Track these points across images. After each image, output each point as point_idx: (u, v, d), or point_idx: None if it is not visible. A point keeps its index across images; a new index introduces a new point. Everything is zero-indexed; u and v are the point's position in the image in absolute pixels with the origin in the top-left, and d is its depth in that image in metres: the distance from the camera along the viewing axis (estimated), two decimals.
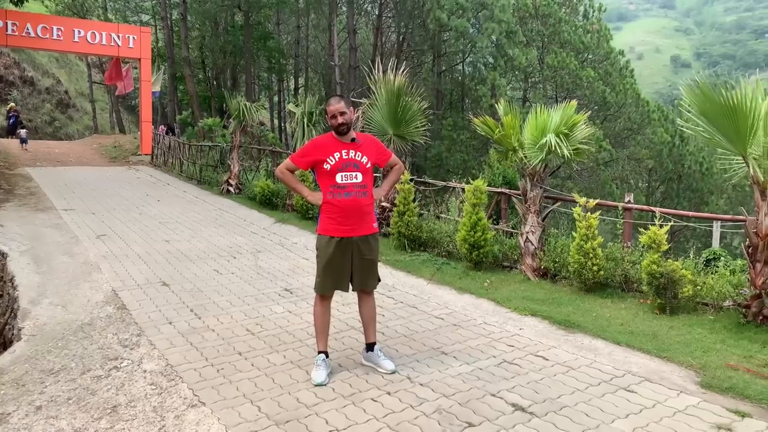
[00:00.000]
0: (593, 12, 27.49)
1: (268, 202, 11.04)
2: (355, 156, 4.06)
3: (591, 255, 5.86)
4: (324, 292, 4.16)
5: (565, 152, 6.08)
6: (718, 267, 6.18)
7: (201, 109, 23.40)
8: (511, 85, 26.41)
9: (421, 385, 3.97)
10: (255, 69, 25.81)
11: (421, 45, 24.86)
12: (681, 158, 28.14)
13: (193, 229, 9.09)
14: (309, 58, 28.80)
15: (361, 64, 23.18)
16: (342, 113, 4.02)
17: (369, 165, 4.11)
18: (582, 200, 6.03)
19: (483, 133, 6.68)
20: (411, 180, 7.67)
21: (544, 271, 6.51)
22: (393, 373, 4.12)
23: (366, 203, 4.10)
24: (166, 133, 21.24)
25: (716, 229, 6.34)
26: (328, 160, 4.00)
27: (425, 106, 7.82)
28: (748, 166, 4.88)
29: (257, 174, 13.28)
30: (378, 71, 7.86)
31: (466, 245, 6.67)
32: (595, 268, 5.86)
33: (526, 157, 6.43)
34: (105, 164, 20.19)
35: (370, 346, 4.29)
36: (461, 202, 7.53)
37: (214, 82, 28.18)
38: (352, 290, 4.26)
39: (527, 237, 6.54)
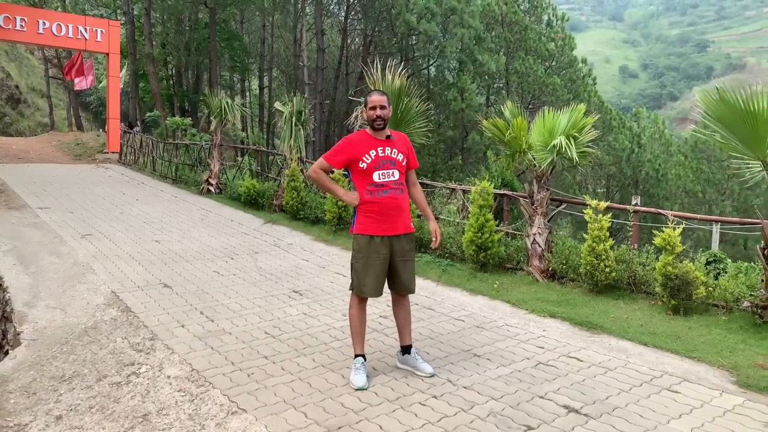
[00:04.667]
0: (556, 21, 28.15)
1: (253, 203, 10.73)
2: (391, 153, 3.94)
3: (603, 257, 5.89)
4: (367, 294, 3.97)
5: (575, 155, 6.12)
6: (719, 269, 6.32)
7: (164, 107, 22.68)
8: (477, 90, 26.75)
9: (465, 388, 3.87)
10: (218, 68, 25.22)
11: (389, 48, 24.87)
12: (639, 164, 29.11)
13: (181, 230, 8.75)
14: (274, 57, 28.38)
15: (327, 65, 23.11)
16: (383, 107, 3.91)
17: (404, 162, 4.00)
18: (593, 203, 6.07)
19: (491, 135, 6.65)
20: None
21: (551, 272, 6.52)
22: (432, 376, 4.00)
23: (404, 201, 3.99)
24: (128, 132, 20.53)
25: (715, 232, 6.51)
26: (364, 158, 3.88)
27: (427, 106, 7.74)
28: (767, 171, 4.99)
29: (238, 173, 12.92)
30: (376, 71, 7.73)
31: (473, 247, 6.62)
32: (607, 269, 5.89)
33: (534, 158, 6.43)
34: (70, 162, 19.38)
35: (406, 349, 4.15)
36: (462, 203, 7.50)
37: (175, 80, 27.40)
38: (392, 292, 4.11)
39: (534, 239, 6.54)
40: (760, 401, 3.76)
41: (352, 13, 26.32)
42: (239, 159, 14.13)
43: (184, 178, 13.89)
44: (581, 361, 4.40)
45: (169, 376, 4.01)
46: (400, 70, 7.89)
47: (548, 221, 6.62)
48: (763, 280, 5.26)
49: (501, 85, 27.32)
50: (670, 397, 3.80)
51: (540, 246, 6.51)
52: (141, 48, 23.07)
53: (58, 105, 37.61)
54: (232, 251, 7.56)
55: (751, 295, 5.32)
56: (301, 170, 9.84)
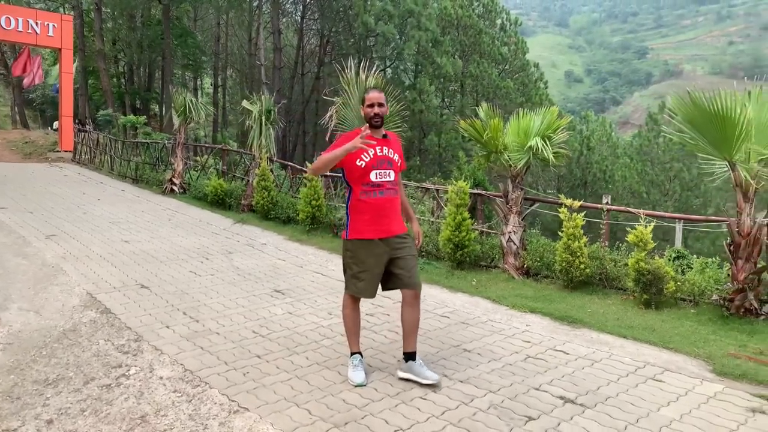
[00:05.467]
0: (510, 25, 28.80)
1: (220, 203, 10.55)
2: (388, 153, 3.88)
3: (578, 254, 6.09)
4: (361, 295, 3.91)
5: (550, 155, 6.30)
6: (683, 265, 6.64)
7: (115, 105, 21.96)
8: (433, 92, 27.11)
9: (461, 382, 3.94)
10: (171, 66, 24.60)
11: (347, 48, 24.88)
12: (588, 166, 30.12)
13: (149, 230, 8.53)
14: (229, 56, 27.92)
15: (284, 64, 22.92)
16: (380, 104, 3.85)
17: (399, 164, 3.95)
18: (568, 201, 6.26)
19: (468, 135, 6.77)
20: None
21: (526, 269, 6.69)
22: (438, 382, 3.83)
23: (398, 203, 3.95)
24: (82, 130, 19.78)
25: (679, 230, 6.82)
26: (362, 156, 3.78)
27: (401, 106, 7.81)
28: (733, 171, 5.28)
29: (203, 173, 12.66)
30: (350, 70, 7.75)
31: (451, 245, 6.73)
32: (582, 266, 6.10)
33: (510, 159, 6.59)
34: (20, 160, 18.55)
35: (411, 356, 3.95)
36: (436, 203, 7.60)
37: (126, 78, 26.58)
38: (402, 291, 3.98)
39: (509, 237, 6.69)
40: (739, 388, 3.97)
41: (309, 13, 26.22)
42: (201, 158, 13.85)
43: (146, 177, 13.52)
44: (567, 354, 4.53)
45: (161, 377, 3.92)
46: (374, 71, 7.93)
47: (522, 220, 6.79)
48: (729, 275, 5.55)
49: (456, 87, 27.77)
50: (656, 386, 3.97)
51: (515, 244, 6.67)
52: (91, 44, 22.26)
53: None
54: (206, 251, 7.42)
55: (717, 289, 5.61)
56: (271, 170, 9.75)
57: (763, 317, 5.26)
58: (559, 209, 6.29)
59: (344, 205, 7.98)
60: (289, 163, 11.95)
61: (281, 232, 8.81)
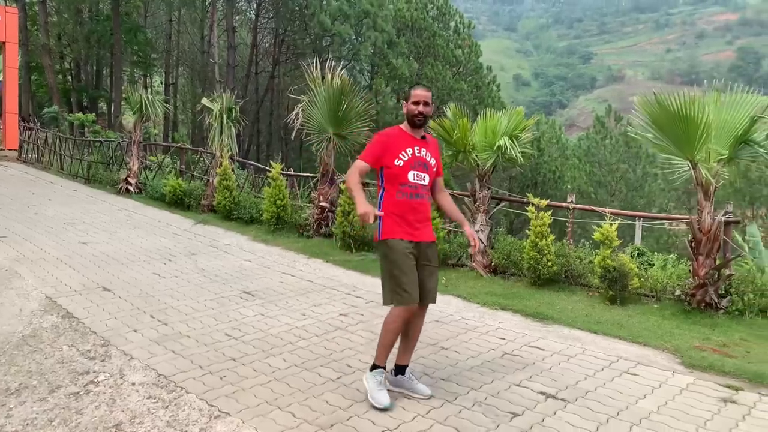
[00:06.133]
0: (463, 28, 29.17)
1: (179, 203, 10.25)
2: (425, 155, 3.66)
3: (546, 251, 6.19)
4: (413, 302, 3.52)
5: (518, 155, 6.39)
6: (643, 262, 6.84)
7: (61, 102, 21.06)
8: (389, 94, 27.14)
9: (443, 380, 3.94)
10: (120, 63, 23.75)
11: (302, 48, 24.66)
12: (538, 167, 30.81)
13: (107, 231, 8.20)
14: (181, 54, 27.24)
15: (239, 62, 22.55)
16: (426, 103, 3.61)
17: (435, 169, 3.74)
18: (535, 200, 6.36)
19: (436, 135, 6.79)
20: None
21: (494, 267, 6.76)
22: (430, 397, 3.63)
23: (429, 208, 3.77)
24: (25, 128, 18.84)
25: (638, 228, 7.04)
26: (400, 155, 3.57)
27: (370, 105, 7.78)
28: (694, 170, 5.47)
29: (160, 172, 12.27)
30: (316, 69, 7.67)
31: None
32: (549, 263, 6.20)
33: (477, 158, 6.64)
34: None
35: (401, 369, 3.74)
36: None
37: (73, 74, 25.53)
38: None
39: (477, 235, 6.75)
40: (708, 379, 4.11)
41: (263, 11, 25.86)
42: (157, 157, 13.43)
43: (99, 177, 13.00)
44: (543, 350, 4.60)
45: (133, 383, 3.77)
46: (340, 70, 7.87)
47: (489, 218, 6.87)
48: (690, 271, 5.75)
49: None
50: (631, 379, 4.06)
51: (483, 242, 6.73)
52: (35, 38, 21.28)
53: None
54: (168, 253, 7.19)
55: (679, 284, 5.80)
56: (233, 169, 9.54)
57: (722, 311, 5.47)
58: (526, 208, 6.39)
59: (329, 206, 7.88)
60: (252, 162, 11.73)
61: (245, 232, 8.63)
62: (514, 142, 6.37)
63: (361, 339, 4.67)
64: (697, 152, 5.39)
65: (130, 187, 11.69)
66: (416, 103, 3.59)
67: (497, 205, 7.14)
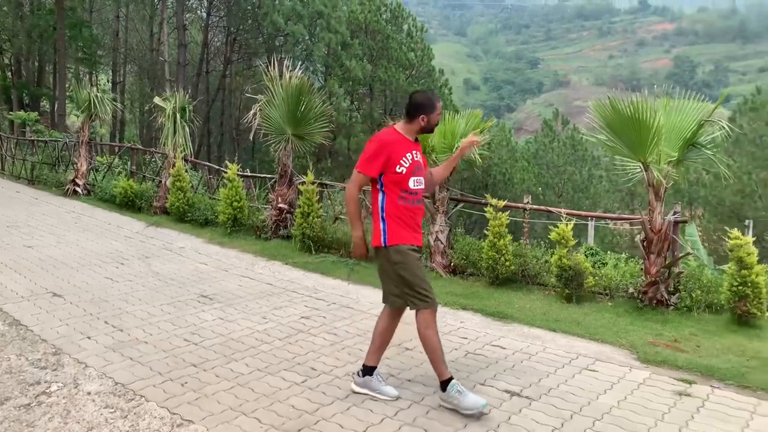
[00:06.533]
0: (416, 31, 29.40)
1: (130, 204, 9.91)
2: (419, 158, 3.62)
3: (504, 251, 6.29)
4: (437, 303, 3.54)
5: (477, 156, 6.47)
6: (596, 261, 7.03)
7: (1, 100, 20.04)
8: (342, 95, 27.06)
9: (409, 381, 3.94)
10: (64, 59, 22.79)
11: (255, 47, 24.30)
12: (489, 169, 31.37)
13: (54, 234, 7.86)
14: (129, 51, 26.40)
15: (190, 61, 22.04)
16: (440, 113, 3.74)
17: (423, 169, 3.70)
18: (494, 201, 6.45)
19: None
20: (314, 182, 7.50)
21: (453, 267, 6.82)
22: (398, 399, 3.62)
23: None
24: None
25: (591, 227, 7.23)
26: (402, 161, 3.48)
27: (333, 105, 7.72)
28: (646, 172, 5.66)
29: (109, 173, 11.83)
30: (274, 69, 7.57)
31: None
32: (507, 263, 6.30)
33: (437, 160, 6.69)
34: None
35: (369, 370, 3.71)
36: (364, 203, 7.55)
37: (13, 71, 24.35)
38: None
39: (437, 236, 6.80)
40: (663, 373, 4.24)
41: (215, 10, 25.36)
42: (106, 157, 12.95)
43: (44, 178, 12.43)
44: (504, 348, 4.66)
45: (89, 393, 3.62)
46: (299, 71, 7.79)
47: (448, 219, 6.92)
48: (642, 269, 5.95)
49: (365, 91, 27.96)
50: (591, 375, 4.16)
51: (442, 243, 6.78)
52: None
53: None
54: (120, 256, 6.95)
55: (632, 282, 5.99)
56: (186, 170, 9.29)
57: (672, 307, 5.67)
58: (485, 209, 6.47)
59: (288, 207, 7.72)
60: (207, 163, 11.47)
61: (200, 234, 8.43)
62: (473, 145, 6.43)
63: (324, 342, 4.63)
64: (648, 154, 5.57)
65: (78, 189, 11.23)
66: (439, 115, 3.67)
67: (456, 206, 7.21)
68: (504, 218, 6.37)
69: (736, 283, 5.24)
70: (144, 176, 11.46)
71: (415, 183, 3.56)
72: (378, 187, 3.57)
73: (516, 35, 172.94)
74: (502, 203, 6.50)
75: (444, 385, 3.50)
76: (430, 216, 6.89)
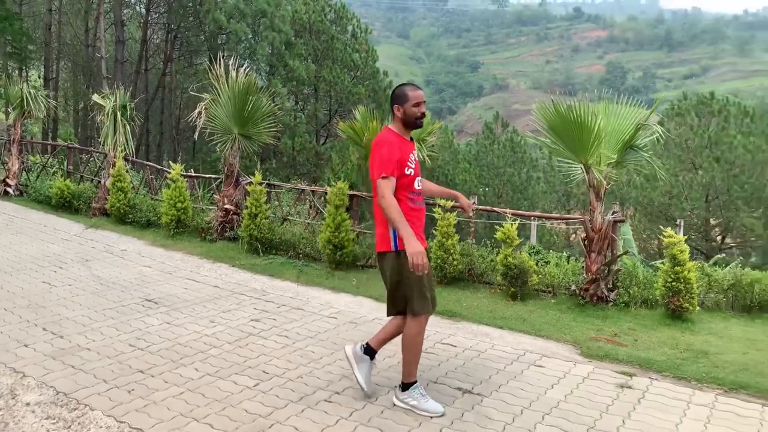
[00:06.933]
0: (361, 33, 29.41)
1: (66, 206, 9.46)
2: (418, 158, 3.62)
3: (452, 251, 6.39)
4: (433, 310, 3.57)
5: (426, 157, 6.56)
6: (539, 259, 7.24)
7: None
8: (286, 95, 26.74)
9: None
10: None
11: (197, 45, 23.72)
12: (432, 170, 31.81)
13: None
14: (62, 47, 25.21)
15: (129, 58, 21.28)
16: (423, 102, 3.48)
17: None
18: (441, 201, 6.54)
19: (347, 137, 6.81)
20: (262, 182, 7.39)
21: None
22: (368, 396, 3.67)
23: None
24: None
25: (533, 227, 7.45)
26: (408, 162, 3.43)
27: (278, 105, 7.63)
28: (587, 173, 5.89)
29: (44, 173, 11.24)
30: (219, 67, 7.42)
31: (330, 246, 6.71)
32: (455, 262, 6.41)
33: None
34: None
35: (372, 352, 3.75)
36: (311, 204, 7.54)
37: None
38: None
39: None
40: (605, 367, 4.42)
41: (154, 6, 24.56)
42: (39, 157, 12.32)
43: None
44: (455, 346, 4.74)
45: (28, 404, 3.45)
46: (246, 69, 7.67)
47: None
48: (583, 267, 6.17)
49: (310, 91, 27.74)
50: (539, 371, 4.29)
51: None
52: None
53: None
54: (58, 260, 6.65)
55: (573, 280, 6.21)
56: (128, 170, 8.97)
57: (611, 303, 5.91)
58: (433, 209, 6.55)
59: (234, 208, 7.54)
60: (149, 163, 11.10)
61: (142, 237, 8.16)
62: (421, 145, 6.53)
63: (275, 344, 4.58)
64: (590, 156, 5.79)
65: (10, 189, 10.64)
66: (418, 105, 3.45)
67: None
68: (452, 218, 6.47)
69: (670, 279, 5.52)
70: (82, 176, 10.98)
71: (418, 183, 3.54)
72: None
73: (457, 39, 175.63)
74: (449, 203, 6.60)
75: (405, 387, 3.55)
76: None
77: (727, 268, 7.07)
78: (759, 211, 19.56)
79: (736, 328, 5.45)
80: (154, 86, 25.06)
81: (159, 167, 10.48)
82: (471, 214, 4.13)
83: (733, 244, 20.64)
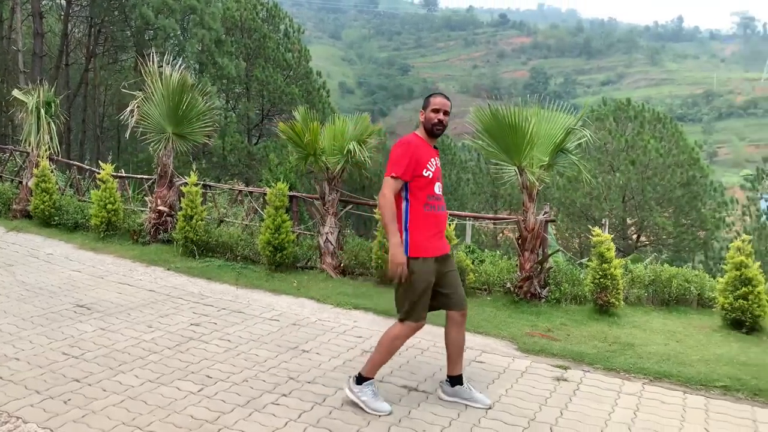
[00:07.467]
0: (293, 32, 29.14)
1: None
2: (440, 165, 3.65)
3: None
4: (422, 321, 3.56)
5: (366, 159, 6.63)
6: (474, 258, 7.46)
7: None
8: (216, 94, 26.08)
9: (309, 383, 3.96)
10: None
11: (122, 41, 22.74)
12: (365, 171, 31.98)
13: None
14: None
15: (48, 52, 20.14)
16: (446, 113, 3.54)
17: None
18: None
19: (285, 137, 6.77)
20: (198, 183, 7.22)
21: (343, 268, 6.90)
22: (490, 408, 3.65)
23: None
24: None
25: (468, 227, 7.65)
26: (428, 165, 3.46)
27: (217, 104, 7.47)
28: (520, 175, 6.12)
29: None
30: (152, 63, 7.19)
31: (270, 248, 6.65)
32: None
33: (327, 161, 6.75)
34: None
35: (458, 379, 3.74)
36: (248, 205, 7.43)
37: None
38: (450, 312, 3.74)
39: (327, 237, 6.85)
40: (542, 362, 4.62)
41: None
42: None
43: None
44: None
45: None
46: (181, 67, 7.47)
47: (338, 220, 7.00)
48: (517, 265, 6.41)
49: (241, 90, 27.23)
50: (480, 366, 4.44)
51: (332, 244, 6.84)
52: None
53: None
54: None
55: (508, 278, 6.44)
56: (52, 170, 8.51)
57: (544, 300, 6.18)
58: (373, 210, 6.63)
59: (168, 210, 7.33)
60: (75, 162, 10.55)
61: (70, 240, 7.78)
62: (362, 147, 6.59)
63: (217, 348, 4.51)
64: (523, 159, 6.03)
65: None
66: (436, 111, 3.50)
67: (345, 207, 7.31)
68: None
69: (598, 276, 5.83)
70: (0, 176, 10.31)
71: (438, 188, 3.55)
72: (403, 195, 3.49)
73: (388, 41, 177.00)
74: None
75: (360, 380, 3.59)
76: (320, 217, 6.93)
77: (642, 264, 7.51)
78: (669, 211, 20.88)
79: (657, 321, 5.81)
80: (76, 82, 23.83)
81: (87, 167, 10.01)
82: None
83: (647, 242, 21.90)
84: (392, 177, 3.37)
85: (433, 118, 3.51)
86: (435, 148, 3.64)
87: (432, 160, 3.51)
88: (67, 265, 6.62)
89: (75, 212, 8.21)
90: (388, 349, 3.59)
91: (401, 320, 3.56)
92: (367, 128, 6.77)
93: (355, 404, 3.57)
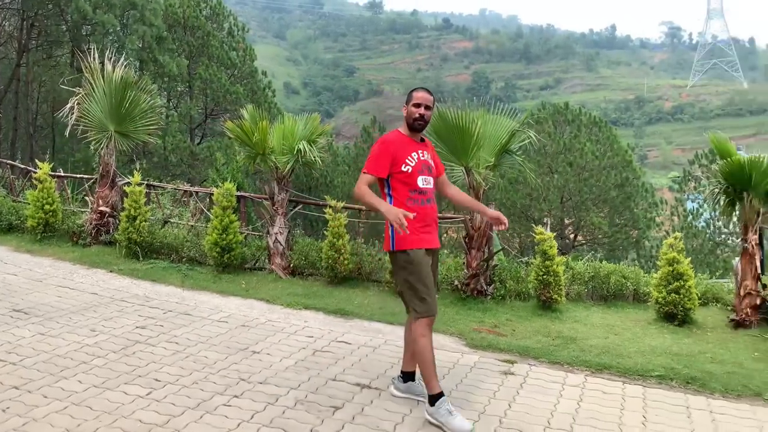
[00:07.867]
0: (238, 30, 28.68)
1: None
2: (427, 158, 3.61)
3: (342, 251, 6.51)
4: (436, 311, 3.50)
5: (317, 158, 6.63)
6: None
7: None
8: (158, 92, 25.29)
9: (261, 383, 3.94)
10: None
11: (58, 35, 21.75)
12: (311, 172, 31.82)
13: None
14: None
15: None
16: (428, 107, 3.55)
17: (436, 170, 3.74)
18: (333, 202, 6.64)
19: (235, 137, 6.68)
20: (141, 183, 7.03)
21: (292, 269, 6.87)
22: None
23: (437, 213, 3.71)
24: None
25: None
26: (407, 160, 3.49)
27: (158, 102, 7.29)
28: (467, 175, 6.27)
29: None
30: (94, 60, 6.95)
31: (217, 249, 6.55)
32: (345, 262, 6.53)
33: (276, 161, 6.71)
34: None
35: (410, 375, 3.81)
36: (195, 205, 7.29)
37: None
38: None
39: (276, 238, 6.81)
40: (489, 356, 4.75)
41: None
42: None
43: None
44: (349, 344, 4.85)
45: None
46: (122, 62, 7.25)
47: (287, 221, 6.97)
48: (464, 263, 6.55)
49: (184, 89, 26.58)
50: None
51: (281, 244, 6.81)
52: None
53: None
54: None
55: (455, 276, 6.57)
56: None
57: (489, 297, 6.34)
58: (324, 210, 6.63)
59: (110, 210, 7.10)
60: (9, 161, 10.02)
61: (3, 242, 7.41)
62: (312, 147, 6.58)
63: (165, 351, 4.42)
64: (470, 159, 6.18)
65: None
66: (417, 106, 3.53)
67: (294, 207, 7.27)
68: (342, 219, 6.59)
69: (541, 273, 6.04)
70: None
71: (423, 182, 3.55)
72: (386, 190, 3.56)
73: (334, 43, 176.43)
74: (341, 204, 6.71)
75: (433, 399, 3.45)
76: (269, 218, 6.88)
77: (580, 262, 7.81)
78: (605, 211, 21.75)
79: (596, 315, 6.07)
80: (6, 78, 22.66)
81: (22, 166, 9.55)
82: (504, 227, 3.78)
83: (584, 242, 22.73)
84: (365, 173, 3.47)
85: (414, 113, 3.55)
86: (422, 140, 3.68)
87: (413, 154, 3.54)
88: (1, 269, 6.32)
89: (9, 213, 7.83)
90: (422, 351, 3.47)
91: (417, 318, 3.49)
92: (317, 128, 6.78)
93: (438, 427, 3.44)
